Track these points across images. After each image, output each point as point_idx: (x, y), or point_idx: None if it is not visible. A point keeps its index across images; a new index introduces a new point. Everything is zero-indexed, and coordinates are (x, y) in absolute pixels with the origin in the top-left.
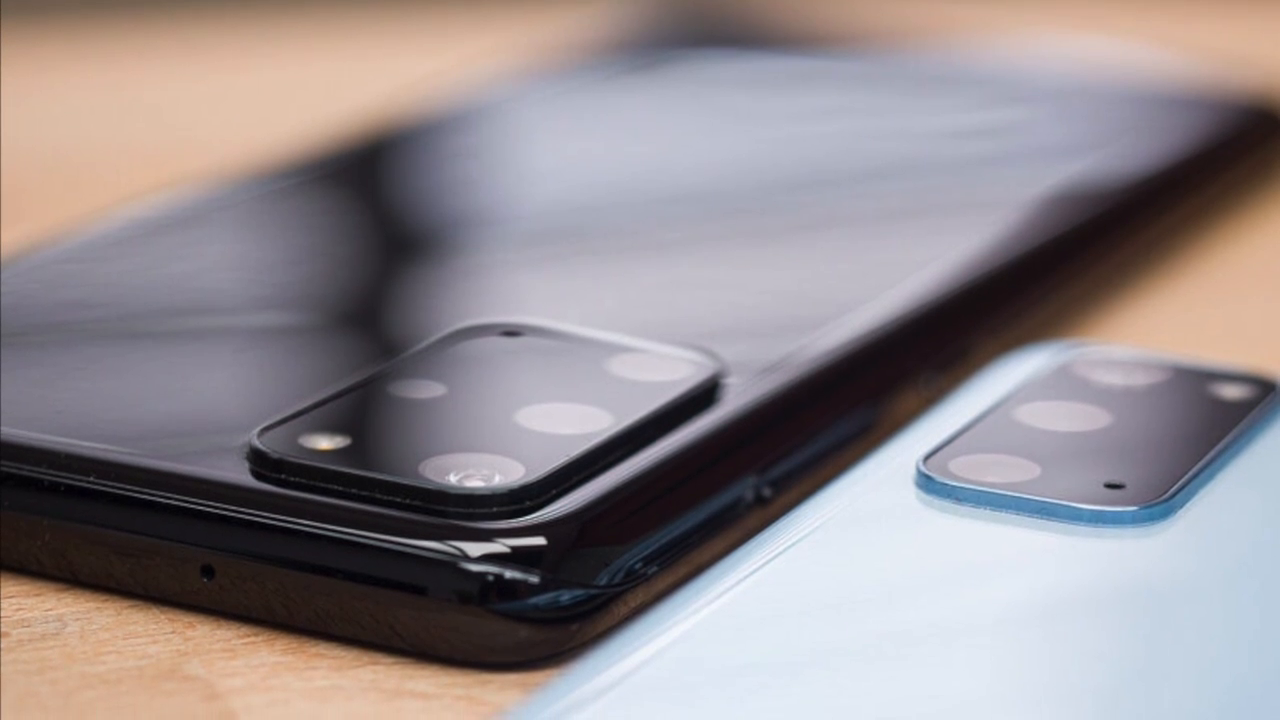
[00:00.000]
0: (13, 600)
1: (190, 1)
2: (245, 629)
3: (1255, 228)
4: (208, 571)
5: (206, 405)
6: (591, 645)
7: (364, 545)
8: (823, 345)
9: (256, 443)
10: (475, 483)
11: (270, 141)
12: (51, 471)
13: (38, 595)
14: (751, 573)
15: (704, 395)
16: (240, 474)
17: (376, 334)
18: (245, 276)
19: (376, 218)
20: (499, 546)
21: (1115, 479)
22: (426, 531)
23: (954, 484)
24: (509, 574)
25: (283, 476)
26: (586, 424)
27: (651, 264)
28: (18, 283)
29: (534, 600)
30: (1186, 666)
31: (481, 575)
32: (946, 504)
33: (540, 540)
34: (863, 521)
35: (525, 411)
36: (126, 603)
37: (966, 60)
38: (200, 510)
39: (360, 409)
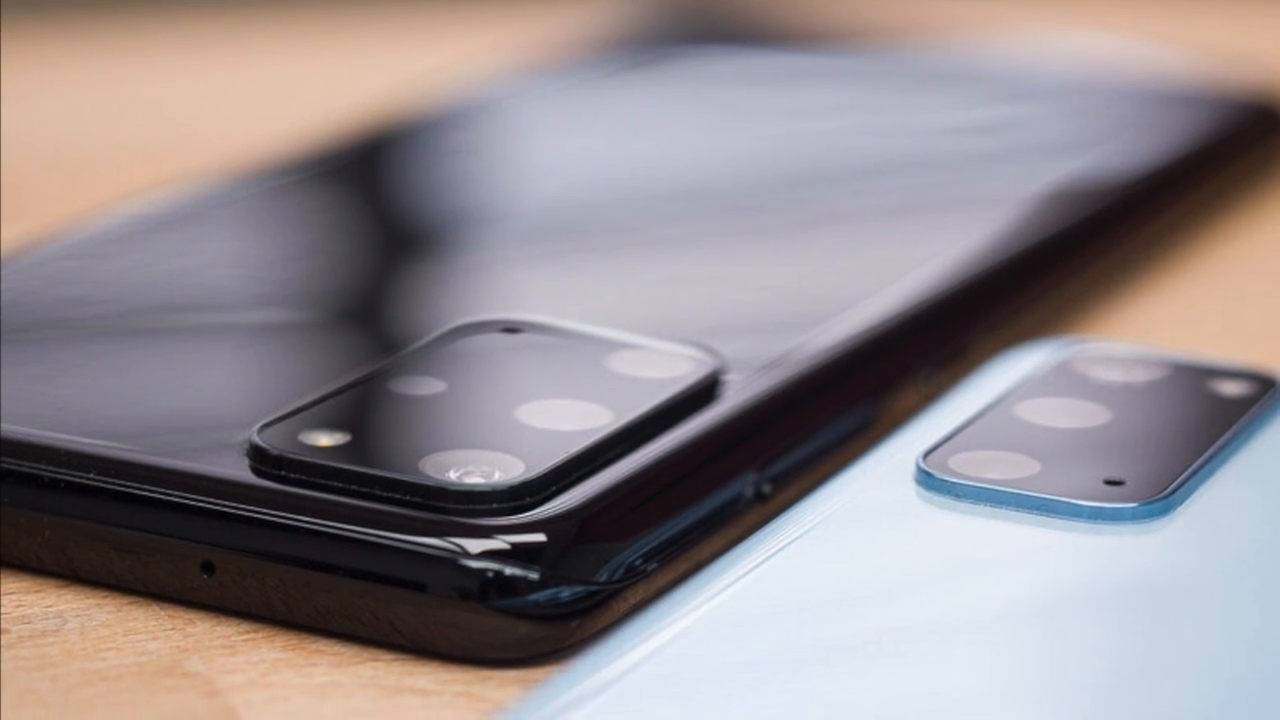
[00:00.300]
0: (13, 597)
1: None
2: (245, 625)
3: (1255, 224)
4: (208, 568)
5: (206, 402)
6: (591, 642)
7: (364, 542)
8: (822, 342)
9: (256, 439)
10: (475, 479)
11: (270, 138)
12: (52, 468)
13: (38, 592)
14: (751, 569)
15: (704, 392)
16: (240, 470)
17: (376, 331)
18: (245, 273)
19: (376, 214)
20: (499, 543)
21: (1115, 475)
22: (426, 528)
23: (954, 480)
24: (509, 570)
25: (283, 473)
26: (586, 420)
27: (651, 260)
28: (18, 279)
29: (534, 597)
30: (1186, 663)
31: (481, 572)
32: (946, 500)
33: (540, 537)
34: (862, 518)
35: (525, 408)
36: (126, 599)
37: (966, 57)
38: (200, 507)
39: (360, 406)
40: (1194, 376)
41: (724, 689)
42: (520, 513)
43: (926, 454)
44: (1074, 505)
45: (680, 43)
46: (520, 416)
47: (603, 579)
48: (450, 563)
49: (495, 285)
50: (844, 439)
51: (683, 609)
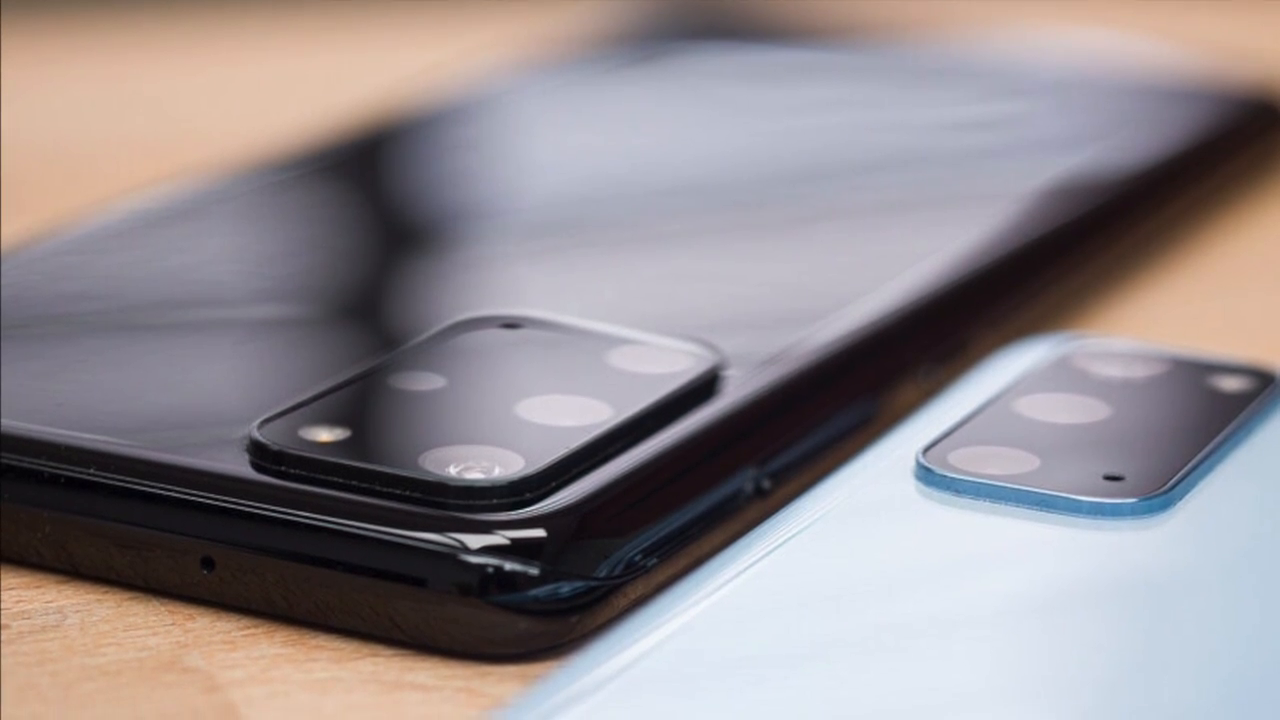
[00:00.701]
0: (13, 592)
1: None
2: (245, 621)
3: (1254, 220)
4: (208, 563)
5: (207, 397)
6: (591, 637)
7: (364, 537)
8: (822, 337)
9: (256, 435)
10: (475, 475)
11: (270, 134)
12: (52, 464)
13: (38, 587)
14: (751, 565)
15: (704, 387)
16: (240, 466)
17: (376, 326)
18: (245, 269)
19: (376, 210)
20: (499, 538)
21: (1114, 471)
22: (426, 523)
23: (953, 476)
24: (509, 566)
25: (283, 468)
26: (586, 416)
27: (651, 256)
28: (18, 275)
29: (533, 592)
30: (1185, 658)
31: (481, 567)
32: (946, 496)
33: (540, 532)
34: (862, 514)
35: (525, 403)
36: (126, 595)
37: (965, 53)
38: (200, 502)
39: (360, 401)
40: (1193, 372)
41: (724, 684)
42: (520, 508)
43: (926, 449)
44: (1074, 501)
45: (679, 39)
46: (520, 412)
47: (602, 574)
48: (450, 558)
49: (495, 281)
50: (844, 434)
51: (682, 604)
